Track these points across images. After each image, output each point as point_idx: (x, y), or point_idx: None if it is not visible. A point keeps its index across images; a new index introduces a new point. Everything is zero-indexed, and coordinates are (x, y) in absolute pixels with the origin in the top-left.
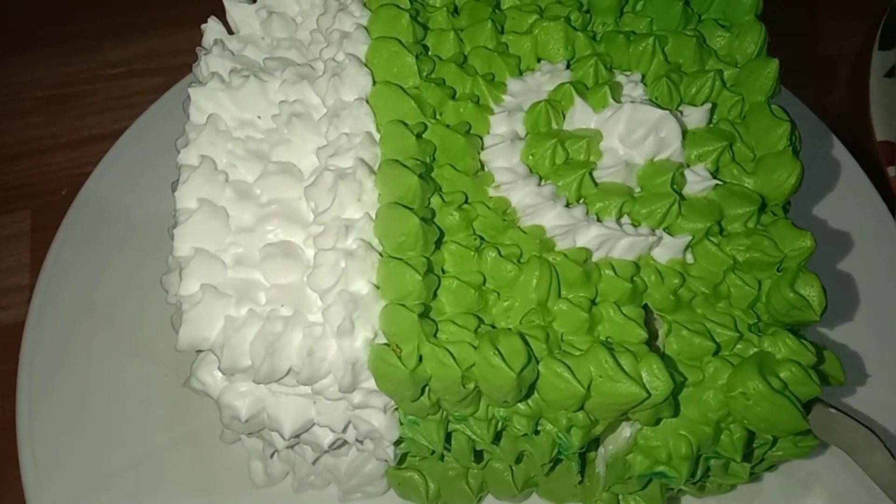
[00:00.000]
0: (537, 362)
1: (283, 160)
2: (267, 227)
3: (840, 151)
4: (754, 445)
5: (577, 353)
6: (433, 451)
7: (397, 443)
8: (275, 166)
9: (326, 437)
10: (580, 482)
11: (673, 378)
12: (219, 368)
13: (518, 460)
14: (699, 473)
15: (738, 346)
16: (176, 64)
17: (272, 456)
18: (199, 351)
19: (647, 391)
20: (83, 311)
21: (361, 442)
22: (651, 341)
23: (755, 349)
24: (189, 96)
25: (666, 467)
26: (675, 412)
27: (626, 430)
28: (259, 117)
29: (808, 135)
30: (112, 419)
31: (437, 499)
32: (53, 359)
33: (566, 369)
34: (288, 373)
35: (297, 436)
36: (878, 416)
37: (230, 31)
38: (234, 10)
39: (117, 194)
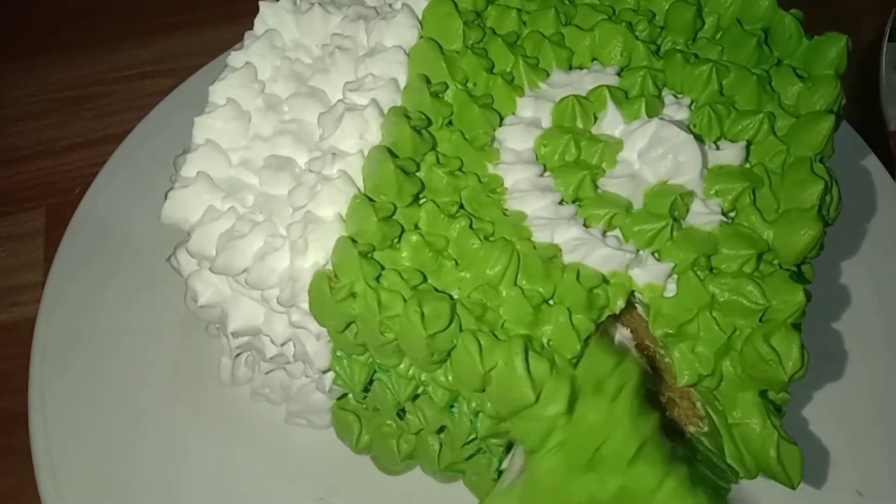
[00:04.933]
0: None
1: (317, 86)
2: (279, 141)
3: (855, 140)
4: None
5: (502, 340)
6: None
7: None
8: (306, 89)
9: (269, 349)
10: (496, 479)
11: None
12: (187, 249)
13: (440, 431)
14: None
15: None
16: (188, 66)
17: (237, 356)
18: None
19: (536, 399)
20: (91, 305)
21: (304, 365)
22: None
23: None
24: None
25: None
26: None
27: (518, 460)
28: (315, 45)
29: None
30: (123, 413)
31: (368, 449)
32: (63, 353)
33: (477, 347)
34: (243, 273)
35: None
36: None
37: None
38: None
39: (123, 197)
